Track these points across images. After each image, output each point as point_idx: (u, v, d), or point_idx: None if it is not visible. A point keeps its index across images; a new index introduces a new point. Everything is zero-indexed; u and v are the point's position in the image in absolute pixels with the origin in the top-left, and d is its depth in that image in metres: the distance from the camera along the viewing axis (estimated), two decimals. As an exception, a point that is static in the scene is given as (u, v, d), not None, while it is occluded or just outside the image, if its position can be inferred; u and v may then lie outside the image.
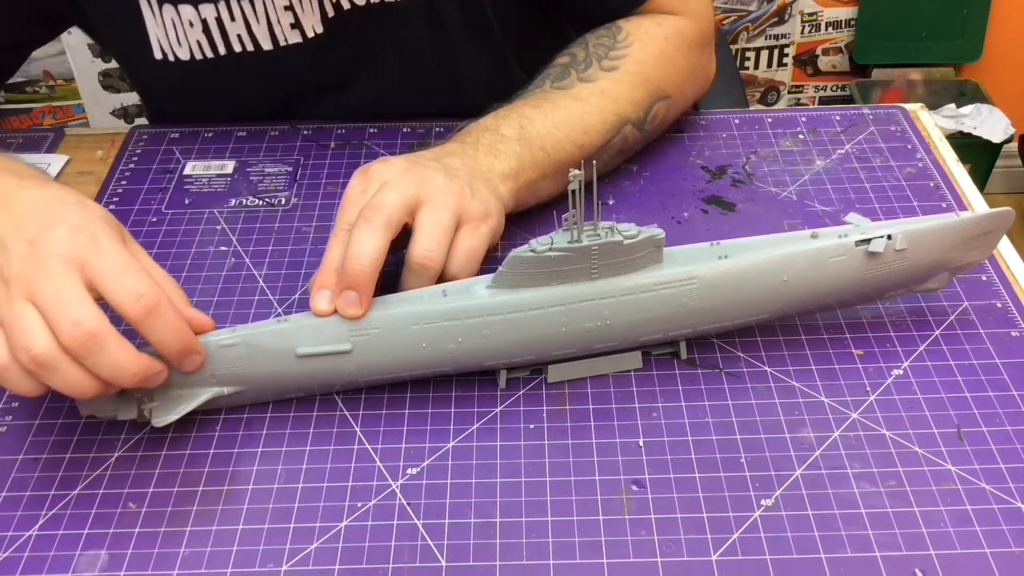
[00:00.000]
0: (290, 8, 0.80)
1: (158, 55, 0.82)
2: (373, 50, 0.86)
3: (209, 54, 0.82)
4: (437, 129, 0.87)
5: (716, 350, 0.66)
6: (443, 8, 0.84)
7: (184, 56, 0.82)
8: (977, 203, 0.78)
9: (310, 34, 0.82)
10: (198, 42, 0.81)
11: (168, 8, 0.79)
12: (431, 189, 0.63)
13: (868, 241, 0.61)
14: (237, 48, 0.82)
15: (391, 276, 0.63)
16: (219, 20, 0.80)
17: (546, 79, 0.79)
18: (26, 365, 0.53)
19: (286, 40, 0.82)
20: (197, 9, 0.79)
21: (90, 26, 0.87)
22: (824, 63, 2.12)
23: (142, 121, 0.96)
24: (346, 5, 0.82)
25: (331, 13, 0.82)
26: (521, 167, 0.71)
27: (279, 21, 0.81)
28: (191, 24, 0.80)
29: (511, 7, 0.88)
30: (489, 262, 0.70)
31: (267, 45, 0.82)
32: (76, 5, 0.82)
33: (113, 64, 1.93)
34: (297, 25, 0.81)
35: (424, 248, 0.61)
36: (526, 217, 0.76)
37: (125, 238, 0.59)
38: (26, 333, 0.53)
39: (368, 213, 0.60)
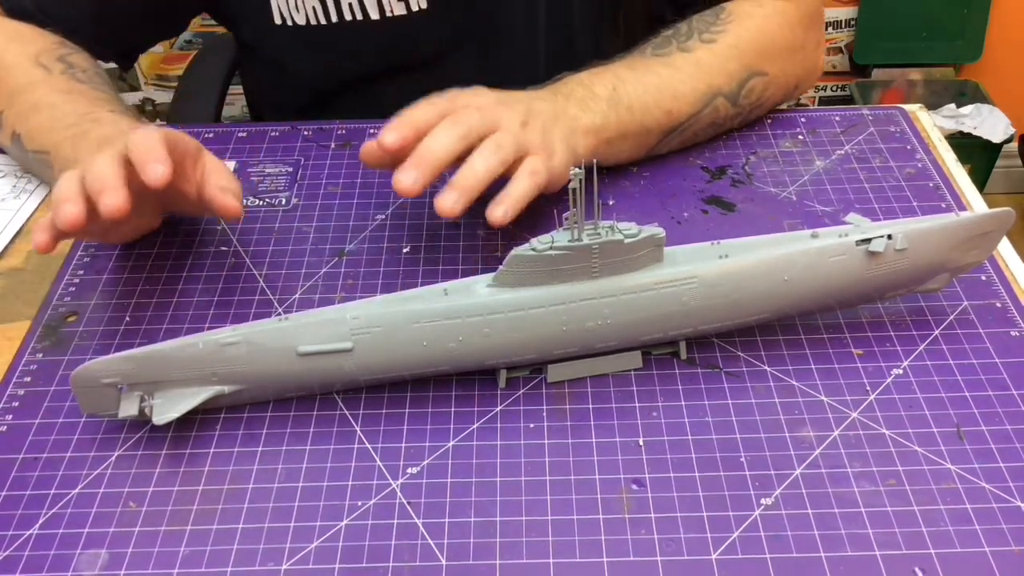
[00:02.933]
0: None
1: (277, 20, 0.90)
2: (478, 27, 0.90)
3: (323, 20, 0.88)
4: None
5: (716, 350, 0.66)
6: None
7: (300, 21, 0.89)
8: (977, 203, 0.78)
9: (414, 8, 0.87)
10: (313, 8, 0.88)
11: None
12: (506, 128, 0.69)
13: (868, 241, 0.62)
14: (348, 16, 0.88)
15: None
16: None
17: (648, 45, 0.83)
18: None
19: (392, 11, 0.87)
20: None
21: (217, 6, 0.96)
22: (824, 63, 2.12)
23: (142, 121, 0.96)
24: None
25: None
26: (606, 125, 0.76)
27: None
28: None
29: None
30: (490, 261, 0.70)
31: (374, 14, 0.87)
32: None
33: (113, 64, 1.92)
34: None
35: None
36: (527, 216, 0.76)
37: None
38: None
39: (453, 119, 0.67)
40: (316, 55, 0.92)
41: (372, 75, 0.93)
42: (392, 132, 0.67)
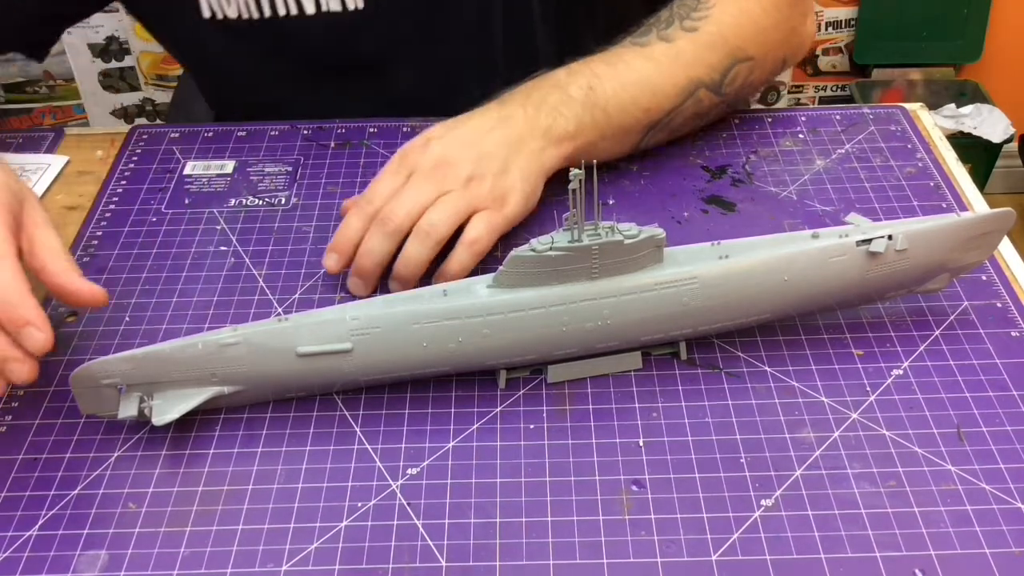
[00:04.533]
0: None
1: (206, 13, 0.84)
2: (419, 35, 0.87)
3: (255, 15, 0.83)
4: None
5: (716, 350, 0.66)
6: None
7: (232, 14, 0.84)
8: (977, 203, 0.78)
9: (350, 7, 0.84)
10: (246, 1, 0.83)
11: None
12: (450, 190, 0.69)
13: (869, 241, 0.61)
14: (282, 11, 0.83)
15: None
16: None
17: (628, 36, 0.80)
18: None
19: (328, 6, 0.84)
20: None
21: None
22: (824, 63, 2.12)
23: (142, 121, 0.96)
24: None
25: None
26: (580, 130, 0.75)
27: None
28: None
29: None
30: (490, 262, 0.70)
31: (310, 9, 0.84)
32: None
33: (113, 64, 1.93)
34: None
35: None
36: (527, 217, 0.76)
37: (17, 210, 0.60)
38: None
39: (381, 221, 0.69)
40: (251, 53, 0.87)
41: (312, 76, 0.89)
42: (331, 257, 0.70)
